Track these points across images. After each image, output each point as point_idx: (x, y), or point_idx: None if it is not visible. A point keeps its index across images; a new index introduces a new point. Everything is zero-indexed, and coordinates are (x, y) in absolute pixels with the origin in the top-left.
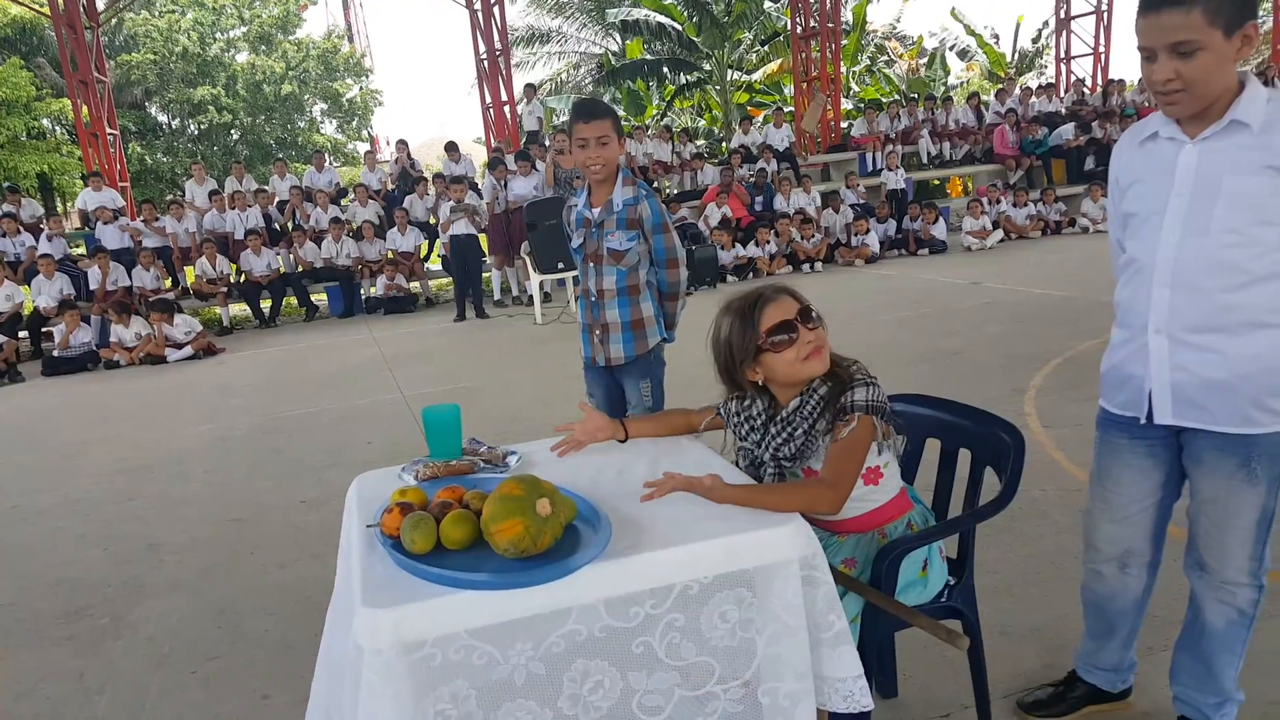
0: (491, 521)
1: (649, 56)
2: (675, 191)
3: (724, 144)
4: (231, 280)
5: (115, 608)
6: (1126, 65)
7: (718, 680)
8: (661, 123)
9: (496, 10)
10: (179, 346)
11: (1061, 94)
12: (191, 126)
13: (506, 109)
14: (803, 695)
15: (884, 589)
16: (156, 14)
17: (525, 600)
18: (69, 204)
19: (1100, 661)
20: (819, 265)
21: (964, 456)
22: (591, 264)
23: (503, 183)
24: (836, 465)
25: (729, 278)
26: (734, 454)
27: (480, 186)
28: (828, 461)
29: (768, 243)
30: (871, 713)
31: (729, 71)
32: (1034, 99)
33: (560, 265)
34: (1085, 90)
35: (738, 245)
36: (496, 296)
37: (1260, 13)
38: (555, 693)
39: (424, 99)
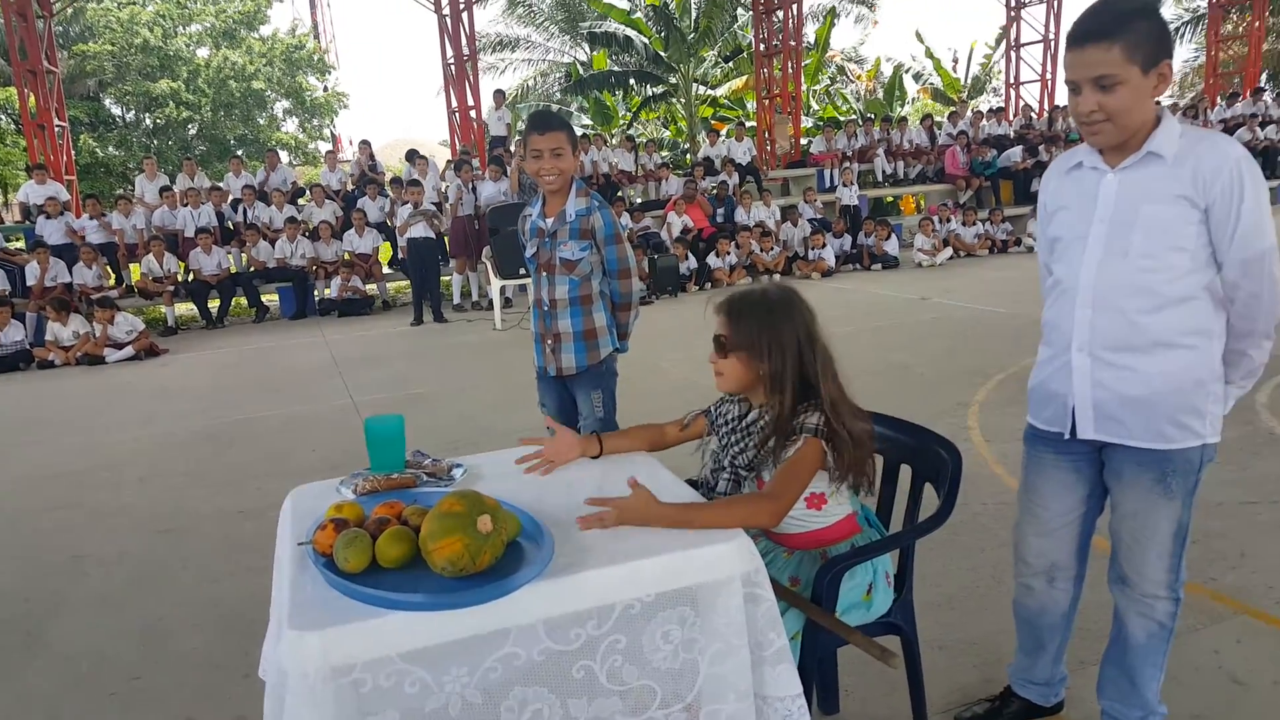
0: (430, 539)
1: (616, 68)
2: (639, 201)
3: (688, 155)
4: (179, 279)
5: (31, 624)
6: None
7: (660, 704)
8: (626, 133)
9: (465, 15)
10: (119, 346)
11: (1011, 118)
12: (147, 120)
13: (473, 114)
14: (744, 715)
15: (824, 605)
16: (117, 4)
17: (462, 621)
18: (10, 196)
19: (1033, 676)
20: (777, 277)
21: (905, 472)
22: (545, 273)
23: (469, 186)
24: (778, 480)
25: (690, 286)
26: (703, 454)
27: (444, 190)
28: (773, 476)
29: (728, 254)
30: None
31: (694, 86)
32: (984, 122)
33: (522, 271)
34: (1033, 115)
35: (689, 257)
36: (456, 300)
37: (1194, 49)
38: None
39: (390, 101)
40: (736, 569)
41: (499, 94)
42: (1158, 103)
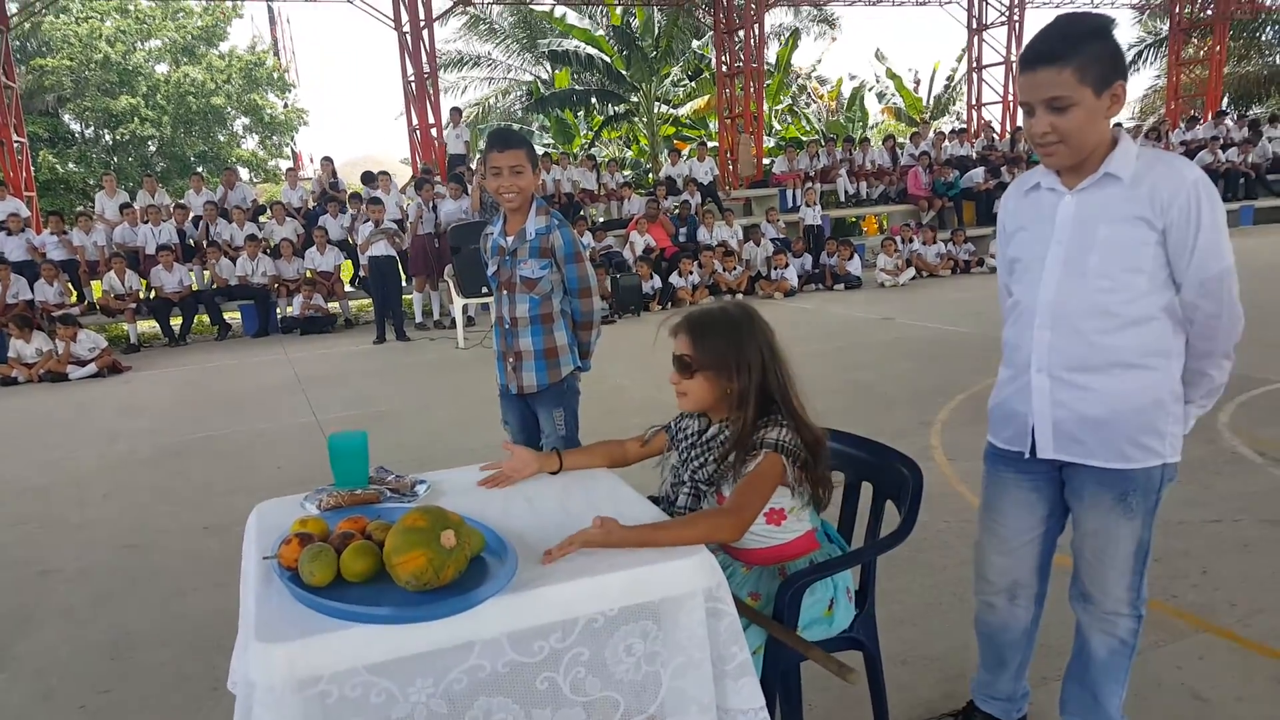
0: (394, 553)
1: (578, 87)
2: (601, 220)
3: (650, 175)
4: (141, 296)
5: (0, 638)
6: None
7: (623, 715)
8: (588, 152)
9: (426, 33)
10: (82, 364)
11: (973, 139)
12: (106, 136)
13: (434, 132)
14: None
15: (786, 621)
16: (75, 20)
17: (426, 634)
18: None
19: (996, 691)
20: (740, 297)
21: (866, 490)
22: (505, 291)
23: (430, 204)
24: (739, 494)
25: (654, 306)
26: (664, 469)
27: (405, 207)
28: (734, 491)
29: (691, 273)
30: None
31: (656, 105)
32: (947, 143)
33: (485, 289)
34: (995, 136)
35: (654, 276)
36: (419, 319)
37: (1157, 74)
38: None
39: (351, 119)
40: (699, 584)
41: (455, 111)
42: (1116, 124)
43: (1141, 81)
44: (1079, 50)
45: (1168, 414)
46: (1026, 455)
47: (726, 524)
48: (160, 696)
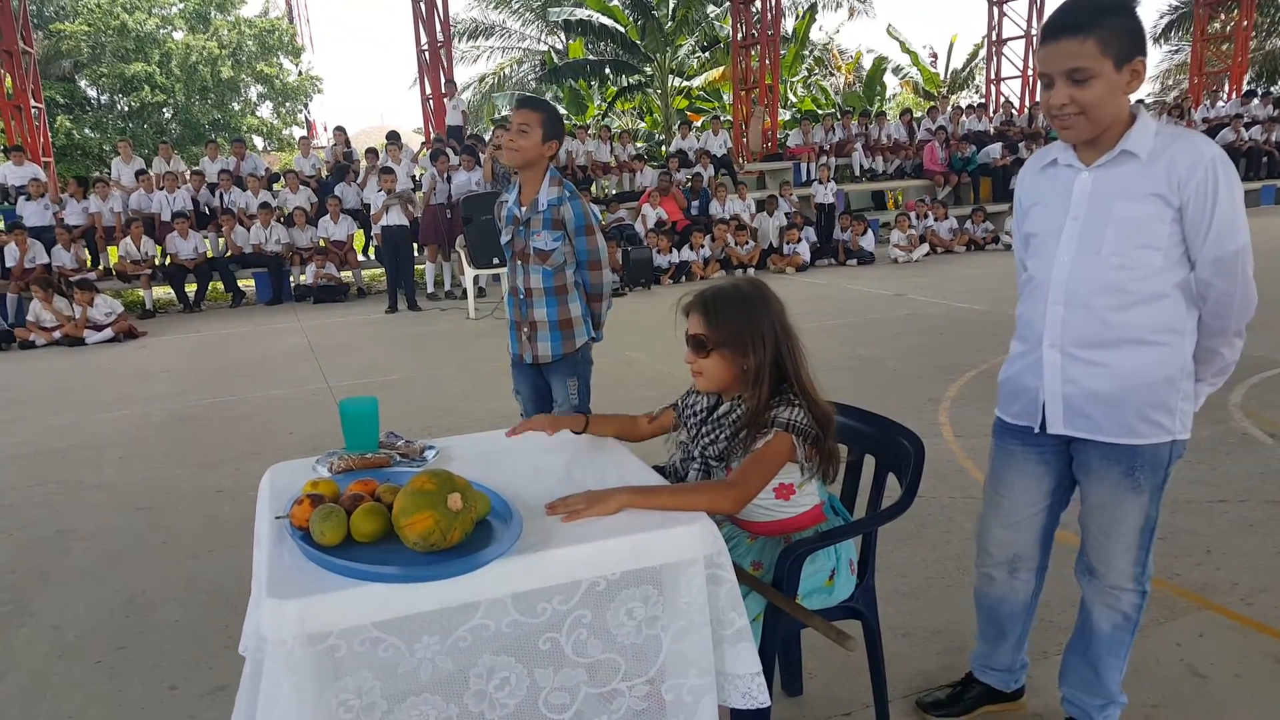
0: (402, 515)
1: (591, 57)
2: (614, 192)
3: (663, 147)
4: (156, 262)
5: (19, 595)
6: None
7: (623, 677)
8: (601, 123)
9: (440, 1)
10: (99, 328)
11: (991, 114)
12: (122, 102)
13: (447, 100)
14: (705, 691)
15: (785, 588)
16: None
17: (433, 593)
18: None
19: (994, 663)
20: (751, 271)
21: (869, 463)
22: (520, 262)
23: (445, 175)
24: (745, 469)
25: (665, 280)
26: (672, 445)
27: (418, 177)
28: (740, 465)
29: (702, 247)
30: (770, 709)
31: (670, 76)
32: (965, 118)
33: (495, 260)
34: (1013, 111)
35: (674, 250)
36: (430, 290)
37: (1173, 47)
38: (461, 688)
39: (365, 87)
40: (699, 550)
41: (451, 84)
42: (1138, 101)
43: (1162, 54)
44: (1103, 22)
45: (1178, 391)
46: (1035, 430)
47: (728, 496)
48: (175, 653)
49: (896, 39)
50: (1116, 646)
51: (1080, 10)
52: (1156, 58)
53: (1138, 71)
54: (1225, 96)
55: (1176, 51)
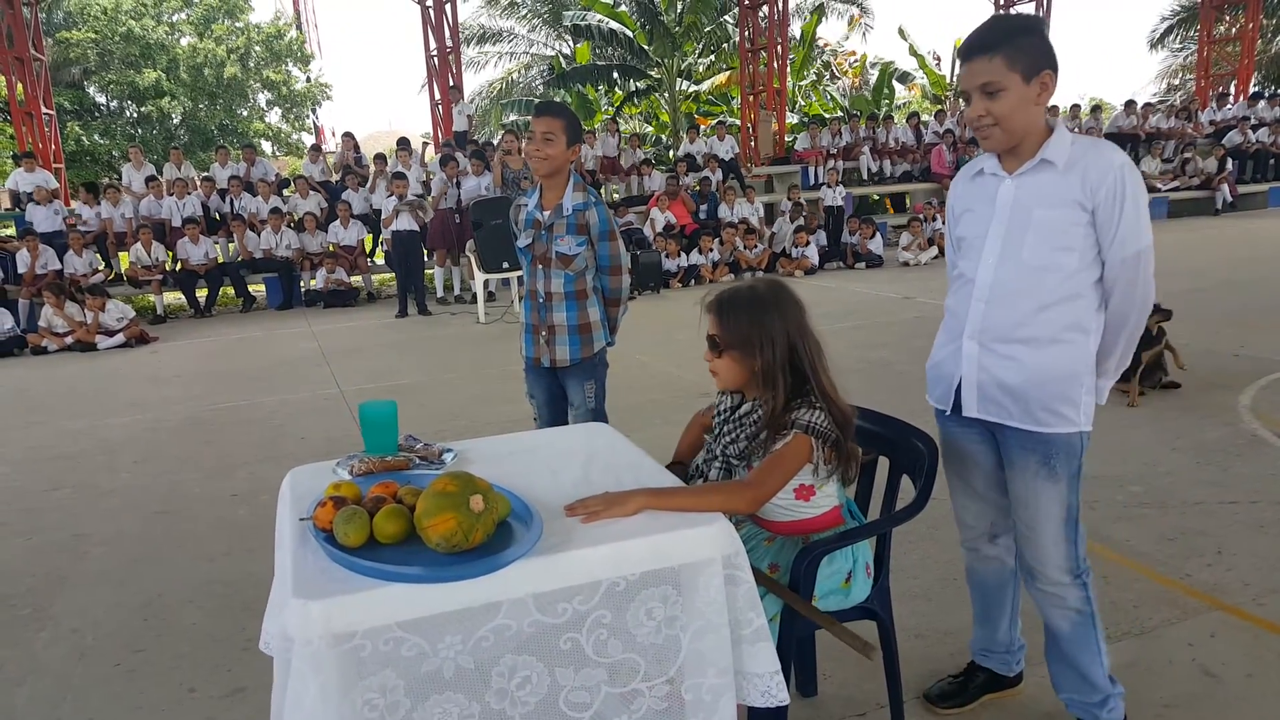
0: (425, 516)
1: (599, 62)
2: (620, 197)
3: (671, 152)
4: (167, 268)
5: (38, 598)
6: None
7: (643, 678)
8: (609, 118)
9: (449, 7)
10: (111, 334)
11: None
12: (131, 109)
13: (454, 106)
14: (724, 690)
15: (801, 589)
16: None
17: (456, 594)
18: (1, 184)
19: (992, 645)
20: (760, 274)
21: (883, 465)
22: (540, 266)
23: (454, 180)
24: (762, 469)
25: (674, 284)
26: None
27: (428, 181)
28: (757, 466)
29: (711, 250)
30: (788, 708)
31: (678, 80)
32: None
33: (505, 265)
34: None
35: (683, 254)
36: (439, 294)
37: (1176, 48)
38: (483, 687)
39: (373, 92)
40: (717, 551)
41: (455, 90)
42: (1052, 106)
43: (1166, 55)
44: (1009, 42)
45: (1081, 385)
46: (948, 412)
47: (744, 496)
48: (192, 655)
49: (906, 40)
50: (1085, 642)
51: (988, 32)
52: (1159, 60)
53: (1046, 84)
54: (1232, 99)
55: (1179, 52)
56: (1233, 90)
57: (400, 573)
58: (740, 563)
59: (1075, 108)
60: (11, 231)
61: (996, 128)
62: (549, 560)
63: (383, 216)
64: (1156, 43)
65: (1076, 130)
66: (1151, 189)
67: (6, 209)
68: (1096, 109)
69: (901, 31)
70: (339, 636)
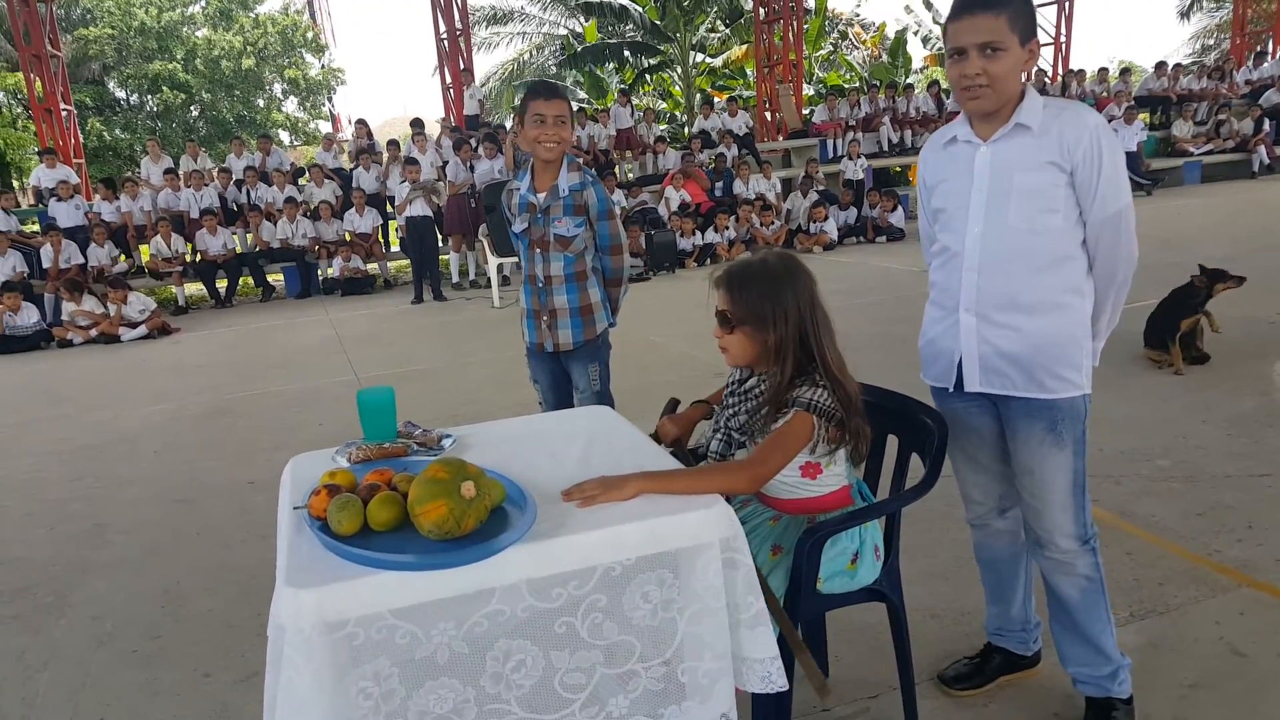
0: (416, 504)
1: (610, 40)
2: (635, 175)
3: (685, 129)
4: (187, 259)
5: (59, 586)
6: (1086, 55)
7: (639, 659)
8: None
9: None
10: (133, 325)
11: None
12: (150, 103)
13: (465, 89)
14: (721, 674)
15: (805, 572)
16: None
17: (448, 581)
18: (25, 180)
19: (1007, 624)
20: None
21: (892, 443)
22: (538, 250)
23: (468, 164)
24: (763, 449)
25: (690, 263)
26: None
27: (442, 166)
28: (759, 445)
29: (727, 228)
30: (791, 693)
31: (691, 55)
32: None
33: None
34: (1046, 80)
35: (698, 233)
36: (455, 279)
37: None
38: (478, 671)
39: (387, 78)
40: (716, 535)
41: (466, 73)
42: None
43: (1204, 13)
44: (1011, 2)
45: (1081, 348)
46: (950, 390)
47: (743, 476)
48: (209, 641)
49: (930, 9)
50: (1095, 609)
51: None
52: (1194, 23)
53: (1034, 51)
54: (1270, 56)
55: (1217, 11)
56: (1270, 48)
57: (393, 560)
58: (739, 546)
59: (1103, 70)
60: (36, 227)
61: (989, 89)
62: (543, 546)
63: (396, 203)
64: (1186, 12)
65: (1105, 95)
66: (1183, 153)
67: (31, 205)
68: (1126, 71)
69: None
70: (331, 624)
